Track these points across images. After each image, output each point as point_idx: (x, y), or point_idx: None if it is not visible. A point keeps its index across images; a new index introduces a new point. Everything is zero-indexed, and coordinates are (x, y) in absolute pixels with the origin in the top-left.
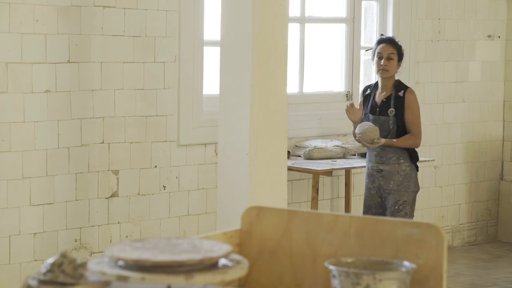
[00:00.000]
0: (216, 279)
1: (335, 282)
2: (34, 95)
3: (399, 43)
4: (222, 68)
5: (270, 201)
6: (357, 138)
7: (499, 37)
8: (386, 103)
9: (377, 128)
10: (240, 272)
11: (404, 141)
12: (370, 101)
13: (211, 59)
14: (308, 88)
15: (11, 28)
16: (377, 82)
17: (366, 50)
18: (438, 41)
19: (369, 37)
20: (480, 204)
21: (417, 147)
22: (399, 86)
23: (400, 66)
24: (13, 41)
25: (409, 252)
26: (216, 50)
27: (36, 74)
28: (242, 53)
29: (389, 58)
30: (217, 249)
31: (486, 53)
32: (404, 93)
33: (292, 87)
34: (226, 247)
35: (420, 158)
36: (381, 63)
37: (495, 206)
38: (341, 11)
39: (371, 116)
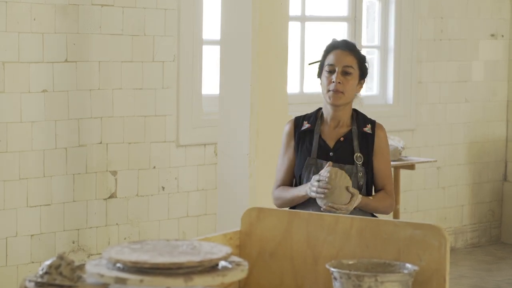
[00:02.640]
0: (216, 281)
1: (336, 284)
2: (31, 95)
3: (362, 52)
4: (222, 68)
5: (271, 202)
6: (324, 202)
7: (502, 36)
8: (345, 143)
9: (345, 174)
10: (240, 274)
11: (380, 202)
12: (315, 141)
13: (211, 58)
14: (308, 88)
15: (8, 27)
16: (319, 111)
17: (310, 64)
18: (440, 40)
19: (371, 36)
20: (483, 205)
21: (389, 213)
22: (361, 118)
23: (361, 87)
24: (10, 40)
25: (411, 253)
26: (216, 49)
27: (34, 73)
28: (242, 52)
29: (345, 73)
30: (216, 251)
31: (489, 52)
32: (373, 129)
33: (292, 87)
34: (225, 249)
35: (423, 159)
36: (332, 80)
37: (498, 207)
38: (343, 10)
39: (323, 164)
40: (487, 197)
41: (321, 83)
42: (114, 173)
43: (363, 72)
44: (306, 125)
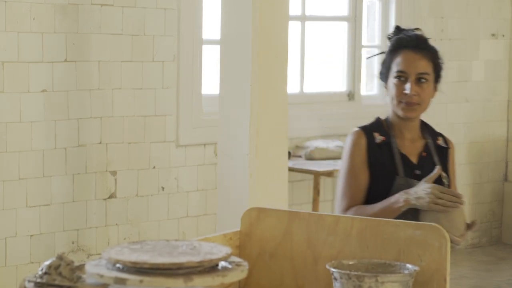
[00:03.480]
0: (216, 281)
1: (336, 284)
2: (31, 95)
3: (430, 41)
4: (222, 67)
5: (271, 202)
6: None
7: (503, 36)
8: (427, 159)
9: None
10: (240, 274)
11: None
12: (397, 156)
13: (211, 58)
14: (309, 88)
15: (7, 26)
16: (383, 120)
17: (368, 57)
18: (441, 39)
19: (371, 35)
20: (484, 206)
21: None
22: (430, 129)
23: (437, 90)
24: (10, 40)
25: (412, 254)
26: (216, 48)
27: (33, 73)
28: (242, 52)
29: (420, 80)
30: (216, 251)
31: (490, 52)
32: (446, 143)
33: (292, 87)
34: (225, 249)
35: None
36: (405, 91)
37: (499, 207)
38: (343, 9)
39: (414, 184)
40: (487, 197)
41: (386, 88)
42: (113, 173)
43: (438, 74)
44: (379, 138)
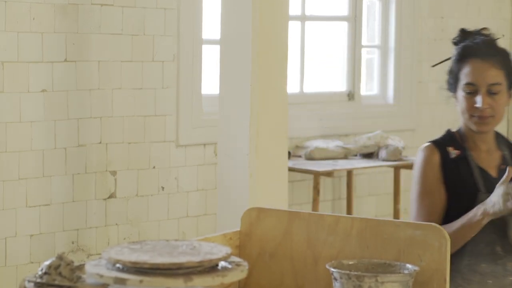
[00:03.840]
0: (216, 281)
1: (336, 284)
2: (31, 95)
3: (499, 43)
4: (222, 67)
5: (271, 202)
6: None
7: (503, 35)
8: (505, 171)
9: None
10: (240, 274)
11: None
12: (475, 171)
13: (211, 58)
14: (309, 88)
15: (7, 26)
16: (458, 132)
17: (433, 66)
18: (441, 39)
19: (371, 35)
20: None
21: None
22: (504, 138)
23: (511, 97)
24: (9, 40)
25: (412, 254)
26: (216, 48)
27: (33, 73)
28: (242, 52)
29: (491, 93)
30: (216, 251)
31: None
32: None
33: (292, 87)
34: (225, 249)
35: None
36: (476, 104)
37: None
38: (343, 9)
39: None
40: None
41: (455, 98)
42: (113, 173)
43: (510, 79)
44: (453, 152)
